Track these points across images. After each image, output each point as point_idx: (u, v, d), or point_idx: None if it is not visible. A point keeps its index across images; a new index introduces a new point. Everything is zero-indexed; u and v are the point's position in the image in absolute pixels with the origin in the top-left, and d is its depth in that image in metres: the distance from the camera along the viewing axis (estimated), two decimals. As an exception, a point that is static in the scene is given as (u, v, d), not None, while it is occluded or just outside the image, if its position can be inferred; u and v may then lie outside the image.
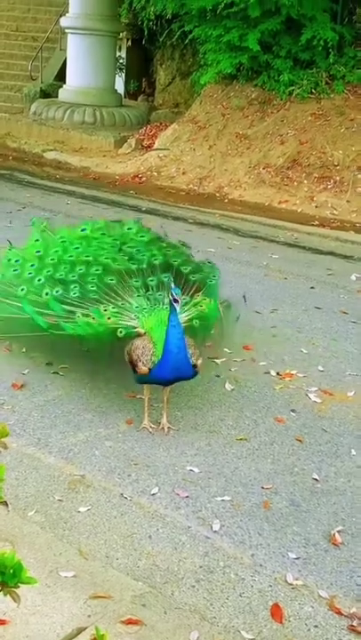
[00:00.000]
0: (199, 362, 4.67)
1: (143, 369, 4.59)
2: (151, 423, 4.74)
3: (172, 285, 4.72)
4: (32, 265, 5.53)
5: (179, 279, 5.35)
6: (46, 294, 5.25)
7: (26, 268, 5.54)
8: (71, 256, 5.59)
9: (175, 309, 4.53)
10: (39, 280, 5.38)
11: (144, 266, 5.49)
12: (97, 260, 5.51)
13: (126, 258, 5.61)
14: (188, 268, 5.61)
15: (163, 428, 4.71)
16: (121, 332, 4.86)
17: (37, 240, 5.80)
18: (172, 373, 4.57)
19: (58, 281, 5.35)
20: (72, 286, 5.28)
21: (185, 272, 5.57)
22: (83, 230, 5.98)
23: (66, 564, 3.44)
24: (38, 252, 5.65)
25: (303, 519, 3.93)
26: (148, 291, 5.26)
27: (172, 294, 4.55)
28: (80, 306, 5.09)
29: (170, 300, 4.57)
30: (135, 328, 4.85)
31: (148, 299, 5.15)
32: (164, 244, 6.05)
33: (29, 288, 5.31)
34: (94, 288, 5.22)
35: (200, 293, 5.37)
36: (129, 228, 6.19)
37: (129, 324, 4.89)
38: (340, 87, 12.53)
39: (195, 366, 4.61)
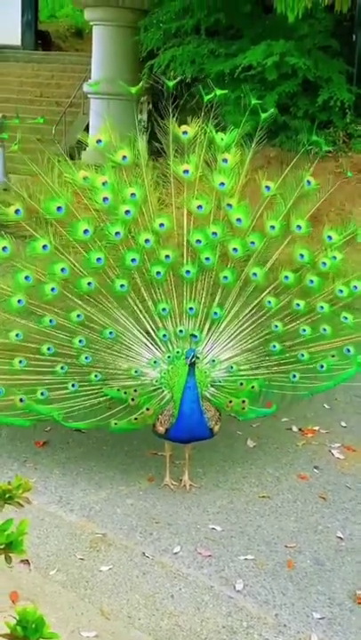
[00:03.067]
0: (217, 427, 4.52)
1: (160, 429, 4.54)
2: (173, 480, 4.71)
3: (192, 343, 4.48)
4: None
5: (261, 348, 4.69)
6: (20, 401, 4.46)
7: None
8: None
9: (192, 371, 4.30)
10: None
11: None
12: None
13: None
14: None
15: (184, 485, 4.68)
16: (161, 408, 4.52)
17: None
18: (186, 435, 4.48)
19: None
20: (59, 368, 4.51)
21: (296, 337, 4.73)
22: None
23: (87, 624, 3.40)
24: None
25: (328, 578, 3.87)
26: (178, 323, 4.63)
27: (186, 357, 4.32)
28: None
29: (187, 361, 4.31)
30: (169, 393, 4.53)
31: (175, 336, 4.61)
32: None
33: None
34: (89, 360, 4.52)
35: (257, 380, 4.66)
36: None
37: (162, 401, 4.53)
38: (358, 145, 12.72)
39: (211, 430, 4.49)
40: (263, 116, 5.10)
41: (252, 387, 4.67)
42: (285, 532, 4.27)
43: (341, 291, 4.84)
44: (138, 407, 4.52)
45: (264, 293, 4.78)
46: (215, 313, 4.69)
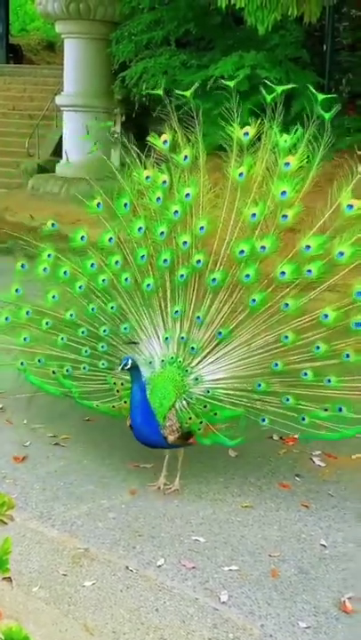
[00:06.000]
0: (172, 437, 4.50)
1: (127, 423, 4.60)
2: (165, 482, 4.70)
3: (133, 348, 4.65)
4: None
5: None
6: (53, 373, 4.96)
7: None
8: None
9: (136, 377, 4.37)
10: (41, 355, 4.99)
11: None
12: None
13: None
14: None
15: (173, 489, 4.68)
16: None
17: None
18: (137, 435, 4.56)
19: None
20: (83, 350, 4.90)
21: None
22: (110, 240, 4.89)
23: (72, 641, 3.36)
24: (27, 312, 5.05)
25: (312, 587, 3.86)
26: (184, 329, 4.64)
27: (120, 363, 4.39)
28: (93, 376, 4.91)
29: (117, 368, 4.44)
30: None
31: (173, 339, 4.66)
32: None
33: (28, 361, 4.99)
34: (105, 349, 4.85)
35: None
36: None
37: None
38: (330, 155, 12.82)
39: (165, 439, 4.48)
40: (327, 115, 4.77)
41: (215, 414, 4.60)
42: (269, 541, 4.26)
43: None
44: (120, 399, 4.75)
45: (285, 326, 4.43)
46: (219, 333, 4.57)
